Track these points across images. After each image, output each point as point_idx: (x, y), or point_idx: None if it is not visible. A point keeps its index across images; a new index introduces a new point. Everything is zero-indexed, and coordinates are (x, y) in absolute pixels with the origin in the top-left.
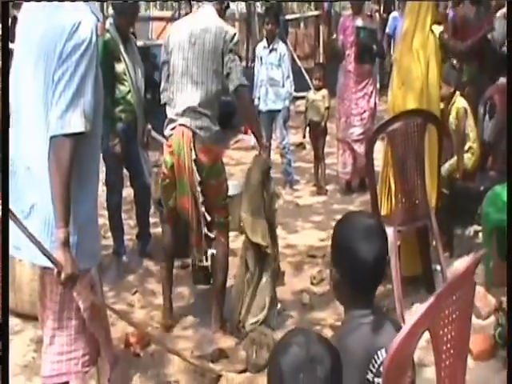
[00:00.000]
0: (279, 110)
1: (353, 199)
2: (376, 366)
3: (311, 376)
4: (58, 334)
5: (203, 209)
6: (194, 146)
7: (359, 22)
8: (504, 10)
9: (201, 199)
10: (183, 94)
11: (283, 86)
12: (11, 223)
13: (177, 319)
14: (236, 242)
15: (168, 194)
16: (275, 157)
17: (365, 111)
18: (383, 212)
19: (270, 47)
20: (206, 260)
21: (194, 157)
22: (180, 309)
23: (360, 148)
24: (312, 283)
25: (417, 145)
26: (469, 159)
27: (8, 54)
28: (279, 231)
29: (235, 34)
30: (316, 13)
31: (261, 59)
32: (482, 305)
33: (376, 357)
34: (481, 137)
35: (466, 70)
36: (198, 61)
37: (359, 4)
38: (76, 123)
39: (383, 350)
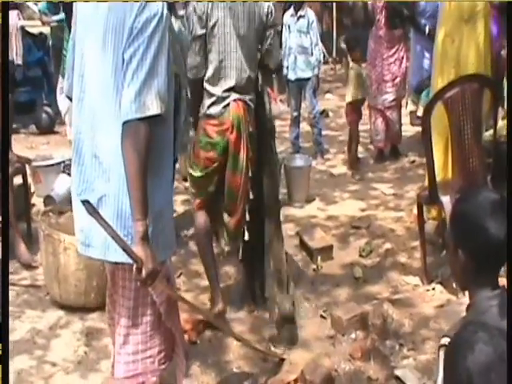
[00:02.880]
0: (308, 79)
1: (386, 166)
2: None
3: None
4: (133, 332)
5: (249, 187)
6: (250, 120)
7: None
8: None
9: (249, 175)
10: (232, 71)
11: (312, 53)
12: (82, 221)
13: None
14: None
15: (210, 179)
16: (303, 126)
17: (396, 77)
18: (439, 179)
19: (298, 14)
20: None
21: (250, 129)
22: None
23: (392, 115)
24: (361, 255)
25: (474, 111)
26: None
27: (8, 54)
28: (317, 203)
29: (273, 9)
30: None
31: (288, 27)
32: None
33: None
34: None
35: None
36: (246, 38)
37: None
38: (151, 105)
39: None
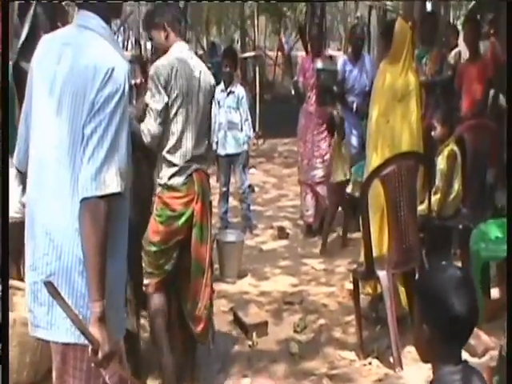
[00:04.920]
0: (238, 154)
1: (316, 242)
2: None
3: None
4: None
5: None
6: (209, 189)
7: (319, 64)
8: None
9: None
10: (191, 141)
11: (242, 129)
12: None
13: None
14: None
15: (169, 255)
16: (232, 201)
17: (326, 153)
18: (375, 255)
19: (228, 90)
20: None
21: (210, 199)
22: None
23: (322, 190)
24: (295, 331)
25: (409, 187)
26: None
27: (8, 54)
28: (249, 279)
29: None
30: (252, 54)
31: (218, 103)
32: (476, 343)
33: None
34: None
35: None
36: (203, 108)
37: (319, 45)
38: (112, 183)
39: None
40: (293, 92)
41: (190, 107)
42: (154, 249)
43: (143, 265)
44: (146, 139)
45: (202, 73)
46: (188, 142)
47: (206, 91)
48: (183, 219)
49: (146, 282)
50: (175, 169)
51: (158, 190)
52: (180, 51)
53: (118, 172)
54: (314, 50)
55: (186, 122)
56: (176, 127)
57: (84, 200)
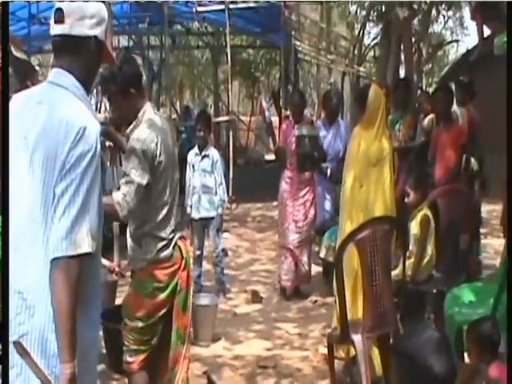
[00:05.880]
0: (212, 218)
1: (289, 306)
2: None
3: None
4: None
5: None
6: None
7: (300, 131)
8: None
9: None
10: (174, 211)
11: (216, 193)
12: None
13: None
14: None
15: (155, 329)
16: (206, 264)
17: (306, 217)
18: (349, 319)
19: (203, 154)
20: None
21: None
22: None
23: (301, 255)
24: None
25: (384, 252)
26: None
27: (8, 54)
28: (222, 342)
29: None
30: (226, 118)
31: (193, 167)
32: None
33: None
34: None
35: None
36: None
37: (300, 111)
38: (83, 243)
39: None
40: (267, 158)
41: (173, 176)
42: (140, 324)
43: (125, 343)
44: (122, 212)
45: (171, 134)
46: (174, 212)
47: (176, 149)
48: (169, 290)
49: (129, 359)
50: (164, 242)
51: (143, 264)
52: (155, 117)
53: (88, 232)
54: (294, 116)
55: (170, 193)
56: (163, 200)
57: (55, 260)
